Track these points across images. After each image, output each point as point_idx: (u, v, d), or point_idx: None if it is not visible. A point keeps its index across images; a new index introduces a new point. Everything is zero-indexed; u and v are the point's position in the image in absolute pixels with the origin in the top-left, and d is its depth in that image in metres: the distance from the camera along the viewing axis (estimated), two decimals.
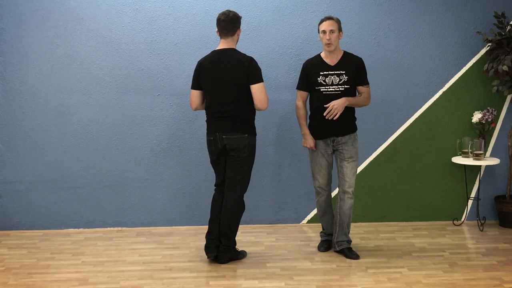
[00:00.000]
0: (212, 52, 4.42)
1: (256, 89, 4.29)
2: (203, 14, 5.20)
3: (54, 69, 5.21)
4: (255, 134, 4.44)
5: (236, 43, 4.43)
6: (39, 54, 5.18)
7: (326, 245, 4.74)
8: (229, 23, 4.32)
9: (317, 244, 4.84)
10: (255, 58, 5.17)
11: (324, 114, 4.44)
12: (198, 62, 4.44)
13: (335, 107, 4.40)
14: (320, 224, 5.08)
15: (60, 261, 4.55)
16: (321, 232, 4.83)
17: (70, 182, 5.30)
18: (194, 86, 4.46)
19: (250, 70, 4.26)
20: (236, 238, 4.96)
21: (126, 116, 5.28)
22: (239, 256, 4.55)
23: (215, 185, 4.58)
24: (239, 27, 4.40)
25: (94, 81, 5.23)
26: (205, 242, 4.51)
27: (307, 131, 4.58)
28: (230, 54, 4.32)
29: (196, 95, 4.47)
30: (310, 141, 4.56)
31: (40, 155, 5.27)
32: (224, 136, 4.33)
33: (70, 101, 5.24)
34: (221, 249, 4.45)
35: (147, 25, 5.21)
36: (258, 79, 4.30)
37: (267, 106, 4.35)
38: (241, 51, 5.15)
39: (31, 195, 5.30)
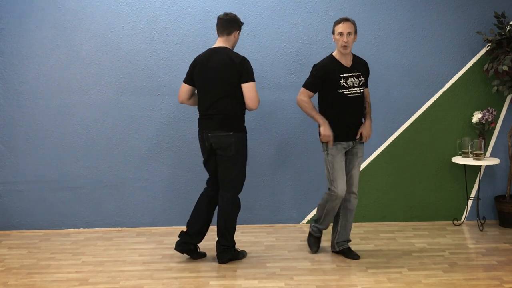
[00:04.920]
0: (207, 49, 4.44)
1: (247, 88, 4.27)
2: (203, 14, 5.20)
3: (54, 69, 5.21)
4: (245, 133, 4.40)
5: (233, 45, 4.42)
6: (39, 54, 5.18)
7: (318, 243, 4.70)
8: (227, 22, 4.34)
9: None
10: (255, 58, 5.22)
11: (364, 141, 4.46)
12: (194, 58, 4.46)
13: (369, 134, 4.46)
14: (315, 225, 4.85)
15: (60, 261, 4.55)
16: (316, 226, 4.67)
17: (70, 182, 5.30)
18: (186, 81, 4.48)
19: (241, 69, 4.25)
20: (236, 238, 4.95)
21: (126, 116, 5.28)
22: (239, 256, 4.55)
23: (207, 182, 4.58)
24: (237, 30, 4.40)
25: (94, 81, 5.23)
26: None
27: (325, 120, 4.37)
28: (222, 53, 4.32)
29: (185, 89, 4.48)
30: (329, 130, 4.35)
31: (40, 155, 5.27)
32: (210, 134, 4.35)
33: (70, 101, 5.24)
34: (220, 249, 4.45)
35: (147, 25, 5.21)
36: (250, 78, 4.28)
37: (257, 106, 4.32)
38: (241, 51, 5.17)
39: (31, 195, 5.30)
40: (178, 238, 4.52)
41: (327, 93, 4.40)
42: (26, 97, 5.22)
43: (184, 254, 4.54)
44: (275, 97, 5.29)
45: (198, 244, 4.55)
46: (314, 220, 4.72)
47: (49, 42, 5.18)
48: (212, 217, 4.56)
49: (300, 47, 5.27)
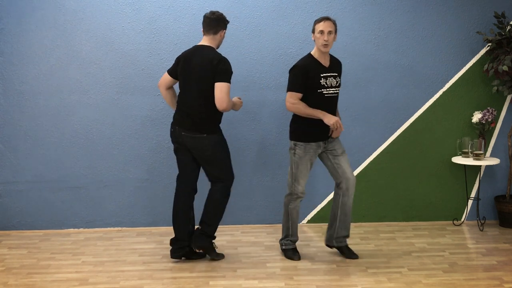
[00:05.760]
0: (192, 46, 4.46)
1: (218, 88, 4.25)
2: (203, 14, 5.19)
3: (54, 69, 5.21)
4: (218, 132, 4.40)
5: (218, 44, 4.42)
6: (39, 54, 5.18)
7: (297, 251, 4.60)
8: (213, 21, 4.35)
9: (317, 244, 4.84)
10: (255, 58, 5.23)
11: (334, 136, 4.41)
12: (180, 54, 4.49)
13: (341, 129, 4.38)
14: (280, 228, 4.82)
15: (60, 261, 4.55)
16: (287, 240, 4.59)
17: (70, 182, 5.30)
18: (169, 72, 4.52)
19: (217, 69, 4.25)
20: (236, 238, 4.97)
21: (126, 116, 5.28)
22: (213, 253, 4.49)
23: (177, 179, 4.54)
24: (223, 29, 4.40)
25: (94, 81, 5.24)
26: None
27: (324, 111, 4.31)
28: (204, 52, 4.33)
29: (167, 79, 4.53)
30: (333, 116, 4.30)
31: (40, 155, 5.27)
32: (183, 133, 4.36)
33: (70, 101, 5.24)
34: (197, 233, 4.44)
35: (147, 25, 5.21)
36: (223, 78, 4.25)
37: (225, 107, 4.26)
38: (241, 51, 5.18)
39: (31, 195, 5.30)
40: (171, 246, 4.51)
41: (307, 92, 4.36)
42: (26, 97, 5.22)
43: (183, 258, 4.53)
44: (275, 97, 5.29)
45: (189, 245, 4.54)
46: (284, 238, 4.61)
47: (49, 42, 5.18)
48: (194, 213, 4.54)
49: (300, 47, 5.27)
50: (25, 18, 5.14)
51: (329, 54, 4.47)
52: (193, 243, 4.45)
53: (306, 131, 4.39)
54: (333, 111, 4.45)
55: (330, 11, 5.21)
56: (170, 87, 4.57)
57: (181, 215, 4.47)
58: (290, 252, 4.57)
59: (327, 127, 4.36)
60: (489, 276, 4.18)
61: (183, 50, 5.18)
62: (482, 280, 4.10)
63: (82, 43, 5.20)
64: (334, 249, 4.66)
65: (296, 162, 4.43)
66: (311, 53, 4.43)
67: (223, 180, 4.44)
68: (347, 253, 4.55)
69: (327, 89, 4.38)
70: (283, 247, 4.62)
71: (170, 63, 5.20)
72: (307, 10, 5.26)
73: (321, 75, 4.36)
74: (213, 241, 4.52)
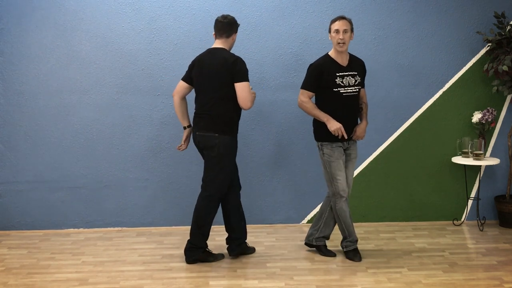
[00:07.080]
0: (206, 50, 4.46)
1: (239, 88, 4.27)
2: (203, 14, 5.20)
3: (54, 69, 5.21)
4: (232, 135, 4.37)
5: (230, 46, 4.43)
6: (39, 54, 5.18)
7: (358, 251, 4.54)
8: (226, 24, 4.37)
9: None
10: (255, 58, 5.23)
11: (354, 138, 4.48)
12: (195, 58, 4.49)
13: (362, 136, 4.49)
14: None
15: (60, 261, 4.56)
16: (346, 241, 4.53)
17: (70, 182, 5.30)
18: (184, 78, 4.51)
19: (234, 69, 4.26)
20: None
21: (126, 116, 5.28)
22: (210, 258, 4.49)
23: None
24: (235, 32, 4.43)
25: (94, 81, 5.24)
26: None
27: (328, 116, 4.35)
28: (218, 53, 4.34)
29: (182, 86, 4.51)
30: (337, 123, 4.33)
31: (40, 155, 5.27)
32: (197, 133, 4.39)
33: (70, 101, 5.24)
34: (187, 247, 4.44)
35: (147, 25, 5.21)
36: (242, 78, 4.28)
37: (250, 106, 4.31)
38: (241, 51, 5.18)
39: (31, 195, 5.30)
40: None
41: (323, 92, 4.41)
42: (26, 97, 5.22)
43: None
44: (275, 97, 5.29)
45: (245, 241, 4.65)
46: (344, 239, 4.55)
47: (49, 42, 5.18)
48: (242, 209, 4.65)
49: (300, 47, 5.27)
50: (25, 18, 5.14)
51: (349, 54, 4.49)
52: (186, 258, 4.45)
53: (328, 131, 4.38)
54: (353, 110, 4.47)
55: (330, 11, 5.21)
56: (185, 96, 4.54)
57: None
58: (351, 253, 4.51)
59: (348, 127, 4.40)
60: (489, 276, 4.18)
61: (183, 50, 5.21)
62: (482, 280, 4.10)
63: (82, 43, 5.20)
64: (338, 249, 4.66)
65: (327, 161, 4.43)
66: (329, 53, 4.47)
67: (211, 188, 4.40)
68: (326, 252, 4.58)
69: (345, 88, 4.38)
70: (345, 249, 4.55)
71: (170, 63, 5.22)
72: (307, 10, 5.26)
73: (337, 74, 4.38)
74: (208, 243, 4.53)
